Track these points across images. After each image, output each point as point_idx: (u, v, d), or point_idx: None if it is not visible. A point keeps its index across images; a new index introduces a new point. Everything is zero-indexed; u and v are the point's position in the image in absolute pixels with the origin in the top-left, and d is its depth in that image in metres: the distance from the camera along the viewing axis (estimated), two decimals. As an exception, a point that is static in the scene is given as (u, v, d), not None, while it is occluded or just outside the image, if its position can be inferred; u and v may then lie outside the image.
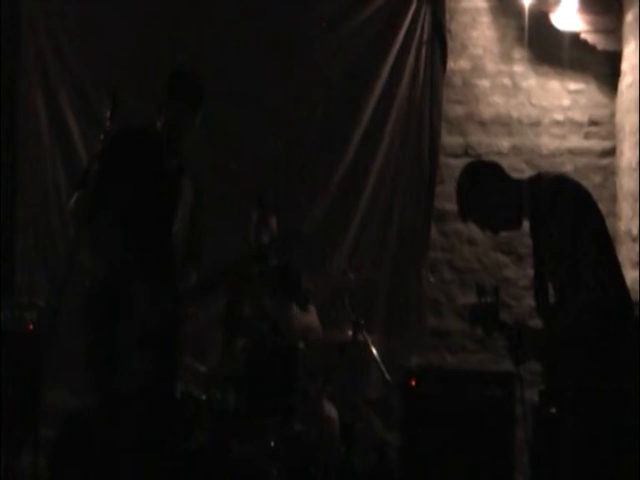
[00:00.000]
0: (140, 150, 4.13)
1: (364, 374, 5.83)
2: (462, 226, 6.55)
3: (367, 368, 5.76)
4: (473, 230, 6.46)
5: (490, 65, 6.80)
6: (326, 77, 6.64)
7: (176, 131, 4.08)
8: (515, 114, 6.71)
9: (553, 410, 3.77)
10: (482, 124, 6.75)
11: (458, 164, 6.66)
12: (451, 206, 6.56)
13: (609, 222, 6.30)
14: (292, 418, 4.81)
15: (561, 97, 6.67)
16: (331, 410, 5.18)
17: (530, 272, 4.05)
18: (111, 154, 3.97)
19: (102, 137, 3.81)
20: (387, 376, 5.41)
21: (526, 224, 3.91)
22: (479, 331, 3.84)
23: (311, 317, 5.47)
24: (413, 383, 5.25)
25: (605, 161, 6.62)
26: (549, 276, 3.83)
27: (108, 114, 3.77)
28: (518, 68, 6.74)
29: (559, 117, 6.67)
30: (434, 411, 5.23)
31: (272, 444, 4.62)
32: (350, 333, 5.36)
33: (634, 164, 6.08)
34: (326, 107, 6.63)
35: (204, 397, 4.87)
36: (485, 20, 6.80)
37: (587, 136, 6.65)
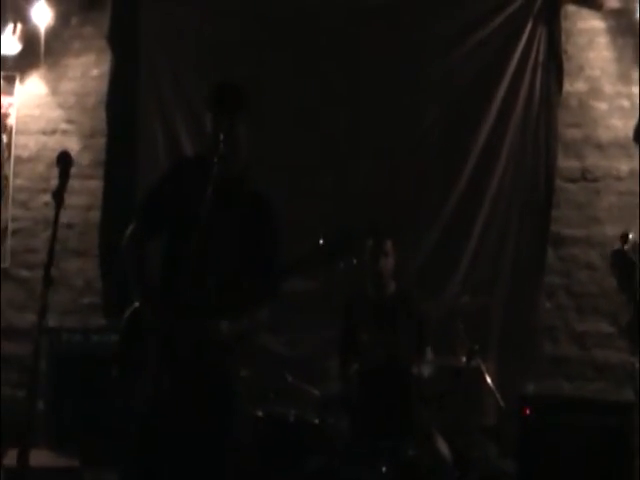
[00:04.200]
0: (186, 173, 4.07)
1: (478, 401, 5.76)
2: (579, 251, 6.44)
3: (481, 395, 5.68)
4: (591, 255, 6.35)
5: (608, 87, 6.64)
6: (441, 99, 6.64)
7: (219, 140, 4.00)
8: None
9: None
10: (599, 147, 6.59)
11: (574, 188, 6.62)
12: (568, 231, 6.53)
13: None
14: (405, 443, 4.77)
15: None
16: (439, 439, 5.12)
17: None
18: (160, 183, 4.01)
19: None
20: (502, 403, 5.33)
21: None
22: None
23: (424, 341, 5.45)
24: (527, 412, 5.18)
25: None
26: None
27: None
28: (637, 89, 6.54)
29: (673, 141, 6.48)
30: (550, 440, 5.15)
31: (384, 469, 4.59)
32: (464, 359, 5.31)
33: None
34: (441, 130, 6.63)
35: (317, 421, 4.88)
36: (602, 41, 6.67)
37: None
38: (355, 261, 4.18)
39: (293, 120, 6.70)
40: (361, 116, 6.65)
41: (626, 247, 3.97)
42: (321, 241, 3.75)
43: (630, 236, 3.99)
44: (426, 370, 5.19)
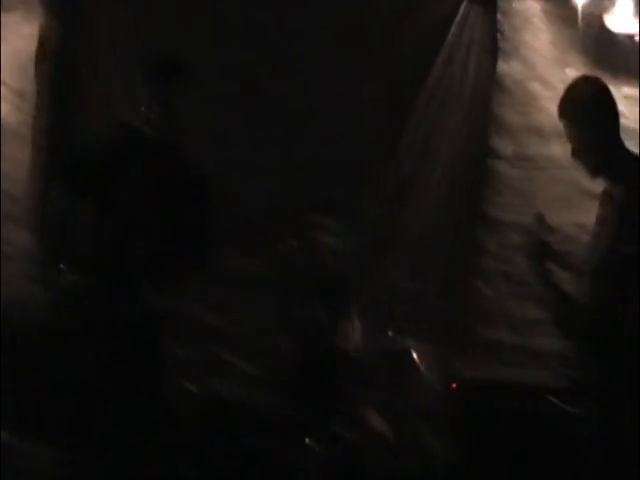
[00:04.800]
0: (119, 141, 4.04)
1: (411, 383, 5.74)
2: (518, 237, 6.43)
3: (414, 377, 5.67)
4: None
5: (542, 68, 6.67)
6: (379, 76, 6.60)
7: (154, 110, 3.91)
8: (568, 120, 6.53)
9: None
10: (534, 129, 6.60)
11: (509, 170, 6.61)
12: (509, 217, 6.50)
13: None
14: (332, 420, 4.72)
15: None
16: (373, 417, 5.09)
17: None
18: (93, 150, 4.00)
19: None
20: (434, 386, 5.32)
21: None
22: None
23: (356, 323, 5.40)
24: (458, 392, 5.19)
25: (662, 168, 6.40)
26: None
27: None
28: (570, 71, 6.51)
29: (612, 123, 6.48)
30: (483, 423, 5.16)
31: (307, 440, 4.58)
32: (395, 339, 5.27)
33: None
34: (379, 108, 6.60)
35: (251, 398, 4.83)
36: (538, 22, 6.68)
37: (642, 144, 6.46)
38: (295, 242, 4.16)
39: (234, 91, 6.56)
40: (303, 89, 6.55)
41: (541, 228, 3.94)
42: (259, 217, 3.72)
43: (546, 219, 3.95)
44: (358, 349, 5.16)
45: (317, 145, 6.44)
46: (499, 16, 6.64)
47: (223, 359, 5.16)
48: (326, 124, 6.44)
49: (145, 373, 3.86)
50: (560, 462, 4.92)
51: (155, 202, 3.88)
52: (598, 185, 4.08)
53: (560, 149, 6.42)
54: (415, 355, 5.33)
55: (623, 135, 6.33)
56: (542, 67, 6.66)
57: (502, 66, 6.69)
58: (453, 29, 6.61)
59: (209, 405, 4.91)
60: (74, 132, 6.82)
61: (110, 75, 6.85)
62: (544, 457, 4.95)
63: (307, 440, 4.70)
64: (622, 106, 6.39)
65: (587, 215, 4.30)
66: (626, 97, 6.44)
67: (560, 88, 6.45)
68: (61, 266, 3.86)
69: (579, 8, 6.43)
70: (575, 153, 4.05)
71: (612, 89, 6.38)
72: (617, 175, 3.97)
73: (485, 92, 6.64)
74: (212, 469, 4.46)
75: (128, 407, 3.82)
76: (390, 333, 5.37)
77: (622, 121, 6.33)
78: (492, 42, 6.63)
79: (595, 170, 4.03)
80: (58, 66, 6.95)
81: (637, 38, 6.41)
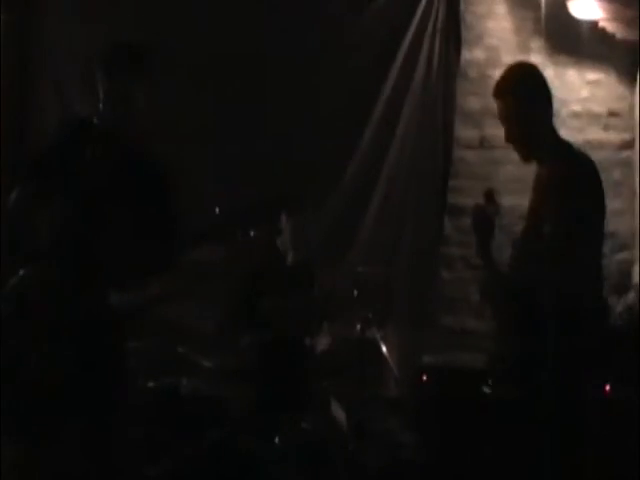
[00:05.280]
0: (76, 135, 3.84)
1: (377, 372, 5.70)
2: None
3: (379, 366, 5.62)
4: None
5: (506, 55, 6.57)
6: (340, 65, 6.46)
7: (112, 103, 3.79)
8: (532, 105, 6.51)
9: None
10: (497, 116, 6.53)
11: (473, 157, 6.59)
12: (467, 201, 6.45)
13: (628, 218, 6.35)
14: (301, 416, 4.67)
15: (579, 88, 6.50)
16: (337, 410, 5.04)
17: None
18: (49, 145, 3.84)
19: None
20: (398, 374, 5.28)
21: None
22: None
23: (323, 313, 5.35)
24: (424, 380, 5.15)
25: (624, 154, 6.44)
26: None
27: None
28: (535, 59, 6.45)
29: (577, 109, 6.49)
30: (449, 411, 5.12)
31: (277, 440, 4.49)
32: (358, 329, 5.22)
33: (655, 158, 5.92)
34: (340, 97, 6.46)
35: (211, 393, 4.75)
36: (501, 10, 6.63)
37: (606, 128, 6.48)
38: (253, 234, 4.08)
39: (195, 84, 6.42)
40: (264, 84, 6.41)
41: (489, 207, 3.93)
42: (217, 210, 3.65)
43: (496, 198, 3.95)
44: (324, 342, 5.11)
45: (278, 136, 6.31)
46: (462, 5, 6.58)
47: (184, 353, 5.06)
48: (287, 116, 6.31)
49: (103, 369, 3.77)
50: (524, 447, 4.89)
51: (113, 196, 3.78)
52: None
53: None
54: (381, 344, 5.26)
55: (588, 120, 6.43)
56: (506, 54, 6.58)
57: (466, 55, 6.63)
58: (416, 19, 6.51)
59: (171, 401, 4.81)
60: (29, 125, 6.69)
61: (66, 67, 6.69)
62: (510, 443, 4.91)
63: (272, 434, 4.61)
64: (586, 91, 6.48)
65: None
66: (589, 82, 6.47)
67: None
68: (17, 259, 3.76)
69: (542, -5, 6.38)
70: (508, 136, 4.01)
71: (576, 75, 6.48)
72: (545, 160, 3.98)
73: (449, 81, 6.55)
74: (175, 466, 4.36)
75: (86, 404, 3.69)
76: (355, 323, 5.29)
77: (586, 106, 6.46)
78: (456, 31, 6.55)
79: (526, 154, 4.02)
80: (11, 56, 6.79)
81: (601, 24, 6.36)
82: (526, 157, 4.01)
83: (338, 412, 5.04)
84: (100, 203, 3.71)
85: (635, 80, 6.42)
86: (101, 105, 3.82)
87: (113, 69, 3.79)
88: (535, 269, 3.77)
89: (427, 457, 5.15)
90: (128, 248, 3.72)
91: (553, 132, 3.99)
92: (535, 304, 3.73)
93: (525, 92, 3.97)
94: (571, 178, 3.75)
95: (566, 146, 4.00)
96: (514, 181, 6.18)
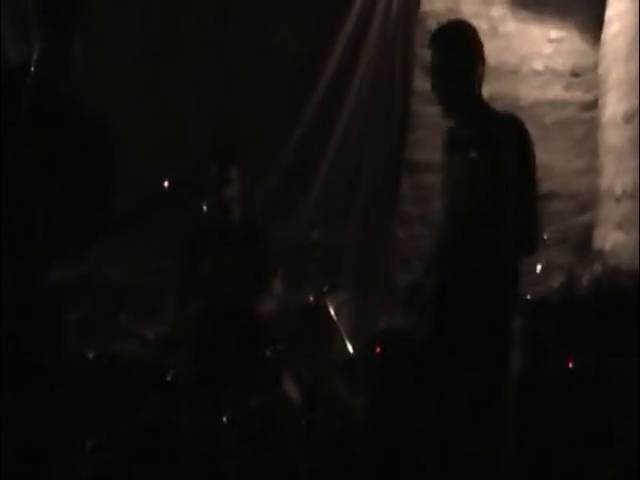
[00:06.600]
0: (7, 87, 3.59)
1: (327, 338, 5.54)
2: (434, 178, 6.26)
3: (330, 331, 5.46)
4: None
5: (466, 7, 6.40)
6: (292, 16, 6.18)
7: (46, 55, 3.55)
8: (492, 61, 6.19)
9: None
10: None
11: (430, 111, 6.38)
12: (423, 156, 6.29)
13: (589, 179, 6.25)
14: (248, 391, 4.47)
15: (542, 44, 6.32)
16: (289, 383, 4.85)
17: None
18: None
19: None
20: (350, 340, 5.13)
21: None
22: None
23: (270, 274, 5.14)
24: (378, 350, 5.02)
25: (587, 114, 6.28)
26: None
27: None
28: (496, 12, 6.35)
29: (539, 66, 6.31)
30: (401, 376, 5.00)
31: (224, 419, 4.29)
32: (312, 298, 5.05)
33: (618, 118, 5.77)
34: (292, 49, 6.20)
35: (152, 365, 4.53)
36: (464, -40, 6.42)
37: (568, 87, 6.31)
38: (202, 191, 3.89)
39: (136, 35, 6.06)
40: (211, 33, 6.15)
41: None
42: (166, 184, 3.49)
43: None
44: (270, 305, 4.91)
45: (227, 91, 6.06)
46: (421, -49, 6.34)
47: (124, 321, 4.85)
48: (236, 68, 6.09)
49: (37, 338, 3.58)
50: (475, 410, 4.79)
51: (52, 156, 3.57)
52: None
53: (483, 90, 6.29)
54: (332, 310, 5.08)
55: (551, 78, 6.28)
56: (467, 6, 6.40)
57: (425, 6, 6.42)
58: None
59: (109, 371, 4.59)
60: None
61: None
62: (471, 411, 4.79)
63: (217, 408, 4.41)
64: (549, 49, 6.31)
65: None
66: (553, 40, 6.30)
67: (486, 29, 6.32)
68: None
69: (506, -58, 6.19)
70: (433, 87, 4.12)
71: (538, 31, 6.30)
72: (461, 119, 4.10)
73: (408, 32, 6.34)
74: (111, 439, 4.17)
75: (21, 375, 3.51)
76: (308, 292, 5.10)
77: (549, 63, 6.29)
78: (415, -20, 6.31)
79: (445, 110, 4.13)
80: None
81: (565, -20, 6.19)
82: (445, 113, 4.14)
83: (290, 386, 4.85)
84: (34, 159, 3.49)
85: (598, 38, 6.25)
86: (35, 56, 3.58)
87: (48, 18, 3.58)
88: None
89: (378, 422, 5.04)
90: (64, 211, 3.52)
91: (475, 92, 4.12)
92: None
93: (449, 45, 4.10)
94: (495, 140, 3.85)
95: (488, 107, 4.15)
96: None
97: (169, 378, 4.48)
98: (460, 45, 4.10)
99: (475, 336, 3.81)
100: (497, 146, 3.82)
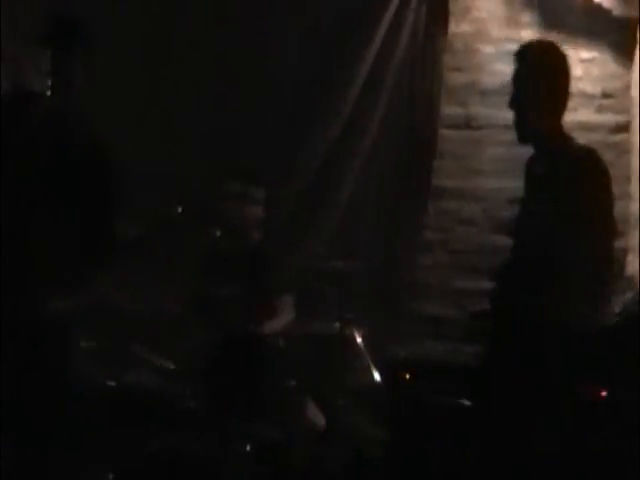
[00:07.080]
0: (12, 112, 3.64)
1: (347, 366, 5.43)
2: (459, 205, 6.14)
3: (350, 360, 5.35)
4: (470, 209, 6.18)
5: (495, 30, 6.31)
6: (316, 37, 6.18)
7: (51, 78, 3.58)
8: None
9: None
10: (484, 94, 6.25)
11: (457, 137, 6.29)
12: (449, 183, 6.18)
13: (621, 204, 6.11)
14: (262, 421, 4.35)
15: (572, 66, 6.17)
16: (316, 414, 4.73)
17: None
18: None
19: None
20: (374, 369, 5.03)
21: None
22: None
23: (285, 307, 4.98)
24: (407, 377, 4.91)
25: (618, 137, 6.13)
26: None
27: None
28: (525, 34, 6.18)
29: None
30: (423, 406, 4.87)
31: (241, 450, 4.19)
32: (336, 326, 4.94)
33: (650, 141, 5.64)
34: (315, 71, 6.19)
35: (164, 395, 4.44)
36: (489, -18, 6.34)
37: (599, 110, 6.17)
38: (218, 232, 3.86)
39: (143, 57, 6.10)
40: (224, 55, 6.08)
41: None
42: (180, 209, 3.51)
43: None
44: (284, 334, 4.81)
45: (239, 114, 6.01)
46: (449, -24, 6.30)
47: (134, 349, 4.78)
48: (249, 91, 6.05)
49: (51, 367, 3.55)
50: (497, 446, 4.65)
51: (55, 177, 3.54)
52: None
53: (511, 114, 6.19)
54: (347, 338, 4.98)
55: (581, 100, 6.15)
56: (494, 29, 6.32)
57: (453, 29, 6.35)
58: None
59: (120, 400, 4.51)
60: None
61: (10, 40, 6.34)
62: (483, 443, 4.66)
63: (227, 437, 4.31)
64: (579, 70, 6.18)
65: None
66: (583, 61, 6.18)
67: (513, 50, 6.19)
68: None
69: (535, -34, 6.10)
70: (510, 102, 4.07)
71: (569, 53, 6.15)
72: (537, 151, 3.99)
73: (435, 55, 6.29)
74: (123, 466, 4.09)
75: (35, 403, 3.51)
76: (319, 316, 5.00)
77: (579, 85, 6.16)
78: (442, 4, 6.30)
79: (520, 136, 4.04)
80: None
81: (596, -1, 6.08)
82: (520, 138, 4.00)
83: (316, 415, 4.73)
84: (38, 186, 3.46)
85: (631, 59, 6.11)
86: (39, 79, 3.67)
87: (52, 42, 3.64)
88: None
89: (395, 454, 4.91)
90: (67, 239, 3.46)
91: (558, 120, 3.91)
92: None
93: (543, 66, 3.98)
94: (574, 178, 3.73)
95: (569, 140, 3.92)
96: (499, 162, 6.03)
97: (183, 408, 4.39)
98: (545, 70, 4.01)
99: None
100: (566, 188, 3.72)
